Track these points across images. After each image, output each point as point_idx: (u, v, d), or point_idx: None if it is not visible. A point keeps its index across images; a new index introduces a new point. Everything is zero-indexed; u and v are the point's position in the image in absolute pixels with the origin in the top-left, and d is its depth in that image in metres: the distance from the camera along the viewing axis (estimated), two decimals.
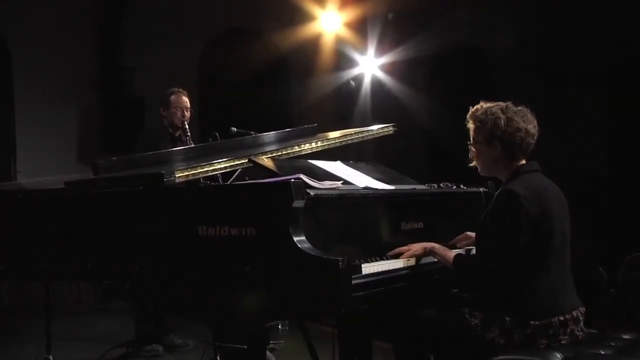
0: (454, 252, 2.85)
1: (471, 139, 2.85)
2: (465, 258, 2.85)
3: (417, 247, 2.87)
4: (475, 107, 2.84)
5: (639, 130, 6.36)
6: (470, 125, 2.84)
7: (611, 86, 6.70)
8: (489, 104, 2.81)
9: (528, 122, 2.77)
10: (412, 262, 2.84)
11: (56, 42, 7.69)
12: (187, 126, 4.93)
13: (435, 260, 2.88)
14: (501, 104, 2.80)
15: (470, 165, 2.89)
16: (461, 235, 3.20)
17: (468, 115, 2.85)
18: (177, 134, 5.01)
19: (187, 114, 5.00)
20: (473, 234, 3.07)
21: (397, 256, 2.84)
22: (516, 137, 2.74)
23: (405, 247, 2.88)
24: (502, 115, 2.74)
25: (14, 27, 7.59)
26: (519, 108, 2.79)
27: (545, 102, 6.66)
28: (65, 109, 7.92)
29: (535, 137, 2.79)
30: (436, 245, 2.87)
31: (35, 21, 7.57)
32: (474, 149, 2.85)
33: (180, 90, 5.09)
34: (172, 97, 5.02)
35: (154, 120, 5.09)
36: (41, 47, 7.62)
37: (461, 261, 2.77)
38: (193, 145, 4.77)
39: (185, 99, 5.03)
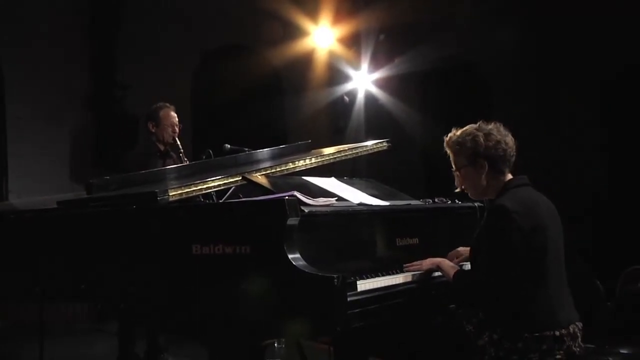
0: (457, 268, 2.86)
1: (453, 166, 2.86)
2: (464, 273, 2.85)
3: (427, 262, 2.91)
4: (448, 136, 2.87)
5: (635, 144, 6.36)
6: (450, 153, 2.86)
7: (603, 100, 6.70)
8: (460, 129, 2.84)
9: (505, 135, 2.81)
10: (408, 278, 2.83)
11: (48, 60, 7.66)
12: (178, 142, 4.82)
13: (432, 276, 2.90)
14: (473, 125, 2.83)
15: (457, 191, 2.90)
16: (452, 252, 3.17)
17: (445, 145, 2.88)
18: (165, 150, 4.88)
19: (177, 129, 4.87)
20: (464, 249, 3.08)
21: (393, 272, 2.83)
22: (499, 150, 2.77)
23: (417, 263, 2.92)
24: (478, 133, 2.79)
25: (6, 44, 7.56)
26: (491, 125, 2.82)
27: (539, 115, 6.71)
28: (58, 127, 7.86)
29: (515, 150, 2.81)
30: (442, 261, 2.90)
31: (27, 39, 7.55)
32: (459, 174, 2.85)
33: (168, 105, 4.94)
34: (162, 113, 4.85)
35: (148, 138, 4.98)
36: (33, 65, 7.59)
37: (460, 276, 2.77)
38: (187, 160, 4.71)
39: (174, 114, 4.88)
